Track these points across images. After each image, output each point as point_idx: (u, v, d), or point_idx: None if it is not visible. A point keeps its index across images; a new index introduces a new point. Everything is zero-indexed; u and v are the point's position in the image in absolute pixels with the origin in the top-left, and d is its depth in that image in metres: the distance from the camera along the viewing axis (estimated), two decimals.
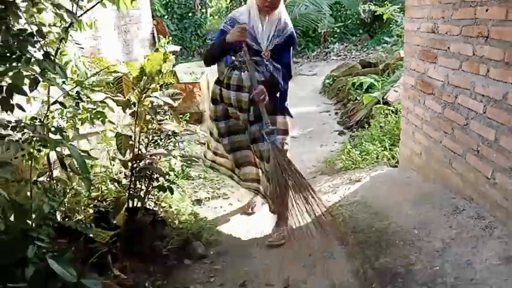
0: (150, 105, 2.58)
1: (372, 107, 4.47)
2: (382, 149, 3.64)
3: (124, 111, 2.55)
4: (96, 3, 1.95)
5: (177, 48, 2.82)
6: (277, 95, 2.57)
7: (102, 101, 2.33)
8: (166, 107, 2.68)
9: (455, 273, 1.85)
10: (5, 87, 1.58)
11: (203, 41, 11.72)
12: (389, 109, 4.08)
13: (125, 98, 2.46)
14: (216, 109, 2.63)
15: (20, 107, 1.67)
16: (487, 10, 1.95)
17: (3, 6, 1.49)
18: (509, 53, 1.81)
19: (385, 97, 4.70)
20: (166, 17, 10.69)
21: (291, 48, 2.59)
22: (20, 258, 1.48)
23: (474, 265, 1.85)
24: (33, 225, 1.90)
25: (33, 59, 1.59)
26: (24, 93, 1.63)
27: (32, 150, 1.79)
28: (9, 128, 1.64)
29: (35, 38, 1.51)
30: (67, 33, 1.88)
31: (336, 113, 6.07)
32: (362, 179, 3.26)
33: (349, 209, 2.80)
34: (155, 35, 5.89)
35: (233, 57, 2.47)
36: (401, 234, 2.24)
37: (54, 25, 1.98)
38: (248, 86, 2.41)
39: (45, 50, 1.69)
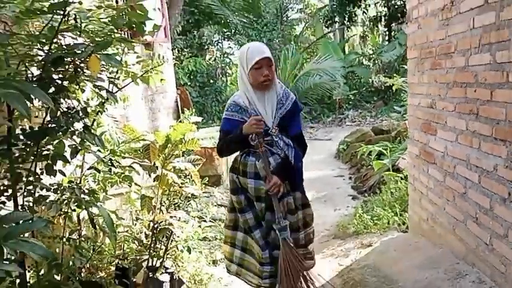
0: (172, 170, 2.84)
1: (383, 173, 4.64)
2: (393, 214, 3.76)
3: (149, 175, 2.81)
4: (130, 83, 2.26)
5: (199, 119, 3.11)
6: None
7: (129, 166, 2.59)
8: (187, 171, 2.92)
9: None
10: (50, 155, 1.86)
11: (222, 107, 12.34)
12: (398, 176, 4.24)
13: (150, 163, 2.73)
14: (239, 199, 2.40)
15: (62, 173, 1.93)
16: (475, 91, 2.19)
17: (54, 89, 1.80)
18: (496, 129, 2.01)
19: (396, 164, 4.88)
20: (189, 84, 11.37)
21: (299, 116, 2.47)
22: None
23: None
24: (62, 279, 2.09)
25: (76, 131, 1.88)
26: (67, 161, 1.90)
27: (67, 210, 2.02)
28: (51, 190, 1.89)
29: (80, 115, 1.79)
30: (103, 107, 2.18)
31: (350, 178, 6.24)
32: (373, 244, 3.36)
33: (360, 273, 2.89)
34: (179, 103, 6.35)
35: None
36: None
37: (92, 99, 2.29)
38: (263, 175, 2.29)
39: (84, 122, 1.97)
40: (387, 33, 15.20)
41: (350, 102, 13.09)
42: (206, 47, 13.31)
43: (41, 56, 1.68)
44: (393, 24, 14.54)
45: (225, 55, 13.16)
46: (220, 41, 15.56)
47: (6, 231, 1.15)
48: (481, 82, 2.13)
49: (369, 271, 2.86)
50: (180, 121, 2.87)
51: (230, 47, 15.62)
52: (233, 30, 14.04)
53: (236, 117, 2.34)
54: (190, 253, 2.72)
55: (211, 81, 12.34)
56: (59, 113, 1.72)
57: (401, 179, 4.20)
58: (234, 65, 14.95)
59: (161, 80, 2.41)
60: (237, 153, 2.42)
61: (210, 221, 4.18)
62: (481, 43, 2.11)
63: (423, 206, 3.04)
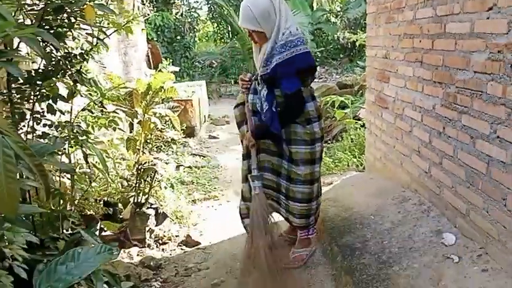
0: (153, 116, 3.09)
1: (344, 121, 5.05)
2: (352, 157, 4.19)
3: (132, 121, 3.06)
4: (114, 31, 2.45)
5: (177, 68, 3.32)
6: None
7: (114, 111, 2.82)
8: (167, 118, 3.19)
9: (399, 244, 2.36)
10: (51, 96, 2.08)
11: (191, 63, 12.35)
12: (358, 123, 4.65)
13: (132, 109, 2.97)
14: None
15: (61, 112, 2.16)
16: (420, 41, 2.53)
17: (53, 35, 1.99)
18: (435, 74, 2.38)
19: (357, 114, 5.30)
20: (157, 40, 11.26)
21: (295, 74, 2.21)
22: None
23: (413, 238, 2.36)
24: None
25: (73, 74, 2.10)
26: (66, 101, 2.13)
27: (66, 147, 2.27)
28: (52, 127, 2.12)
29: (78, 59, 2.01)
30: (90, 54, 2.37)
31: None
32: (334, 182, 3.79)
33: (322, 205, 3.29)
34: (150, 57, 6.44)
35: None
36: (361, 220, 2.75)
37: (77, 48, 2.47)
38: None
39: (80, 66, 2.18)
40: None
41: (317, 59, 13.37)
42: (172, 0, 13.04)
43: (38, 5, 1.87)
44: None
45: (193, 9, 12.96)
46: None
47: (36, 149, 1.41)
48: (424, 33, 2.47)
49: (330, 203, 3.28)
50: (159, 70, 3.08)
51: (197, 1, 15.37)
52: None
53: None
54: (173, 189, 3.04)
55: (178, 37, 12.24)
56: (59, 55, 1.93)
57: (361, 126, 4.62)
58: (201, 21, 14.80)
59: (142, 29, 2.62)
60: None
61: (187, 167, 4.50)
62: None
63: (377, 147, 3.46)
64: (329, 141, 5.31)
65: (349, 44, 13.09)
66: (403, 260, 2.22)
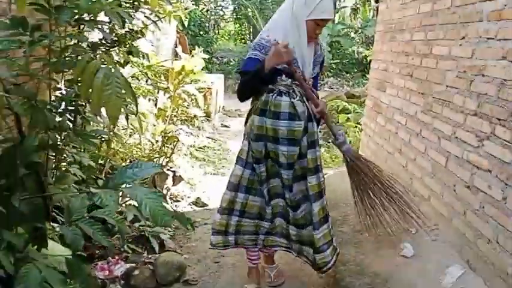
0: (182, 93, 3.65)
1: (345, 123, 5.59)
2: None
3: (164, 94, 3.61)
4: (164, 16, 2.99)
5: (206, 56, 3.88)
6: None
7: (151, 84, 3.37)
8: (193, 96, 3.74)
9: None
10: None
11: (210, 58, 12.98)
12: (358, 127, 5.18)
13: (166, 85, 3.53)
14: (259, 147, 2.17)
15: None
16: (412, 58, 3.06)
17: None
18: (419, 86, 2.90)
19: (359, 122, 5.83)
20: (182, 31, 11.87)
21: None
22: None
23: (384, 215, 2.88)
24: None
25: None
26: (122, 66, 2.68)
27: None
28: None
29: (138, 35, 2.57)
30: (143, 34, 2.92)
31: (320, 131, 7.18)
32: (328, 173, 4.32)
33: None
34: (177, 45, 7.02)
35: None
36: (344, 200, 3.27)
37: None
38: (301, 112, 2.07)
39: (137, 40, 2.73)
40: (376, 8, 15.82)
41: (331, 70, 13.92)
42: None
43: None
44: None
45: (219, 7, 13.58)
46: None
47: None
48: (417, 52, 3.00)
49: None
50: (192, 56, 3.63)
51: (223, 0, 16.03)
52: None
53: (259, 57, 2.06)
54: (191, 155, 3.58)
55: (202, 32, 12.86)
56: (124, 31, 2.48)
57: (360, 130, 5.14)
58: (224, 19, 15.44)
59: (186, 17, 3.16)
60: (264, 95, 2.09)
61: (200, 147, 5.05)
62: (421, 24, 2.97)
63: (369, 146, 3.98)
64: (329, 141, 5.84)
65: (364, 59, 13.64)
66: (373, 229, 2.75)
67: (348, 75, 13.87)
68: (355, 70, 14.14)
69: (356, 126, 5.28)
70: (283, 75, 2.05)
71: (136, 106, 1.55)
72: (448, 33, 2.56)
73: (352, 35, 15.33)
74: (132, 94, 1.54)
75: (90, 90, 1.44)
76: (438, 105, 2.61)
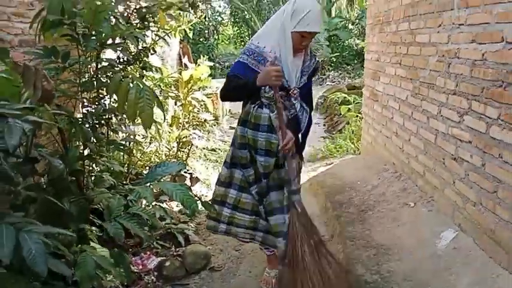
0: (192, 100, 3.95)
1: (347, 113, 5.86)
2: (351, 144, 4.99)
3: (175, 104, 3.92)
4: (169, 32, 3.29)
5: (211, 64, 4.18)
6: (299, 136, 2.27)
7: (162, 95, 3.67)
8: (202, 102, 4.04)
9: (374, 199, 3.16)
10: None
11: (213, 64, 13.31)
12: (359, 116, 5.44)
13: (177, 94, 3.83)
14: (245, 154, 2.23)
15: None
16: (399, 47, 3.32)
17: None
18: (408, 72, 3.17)
19: (360, 112, 6.08)
20: (182, 40, 12.22)
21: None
22: None
23: (386, 194, 3.16)
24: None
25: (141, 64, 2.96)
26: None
27: None
28: None
29: (150, 52, 2.87)
30: (154, 50, 3.22)
31: (324, 125, 7.45)
32: (334, 163, 4.59)
33: (321, 177, 4.12)
34: (181, 55, 7.34)
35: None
36: (349, 184, 3.55)
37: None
38: (277, 127, 2.11)
39: (148, 56, 3.03)
40: None
41: (332, 64, 14.16)
42: (197, 4, 13.96)
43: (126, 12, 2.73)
44: None
45: (217, 13, 13.91)
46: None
47: None
48: (403, 42, 3.27)
49: (328, 175, 4.09)
50: (198, 65, 3.93)
51: (220, 6, 16.38)
52: None
53: (254, 67, 2.11)
54: (206, 157, 3.88)
55: (202, 39, 13.20)
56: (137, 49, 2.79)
57: (361, 119, 5.40)
58: (222, 24, 15.77)
59: (189, 29, 3.46)
60: (247, 106, 2.20)
61: (212, 149, 5.36)
62: (405, 15, 3.23)
63: (369, 133, 4.25)
64: (333, 133, 6.12)
65: (361, 50, 13.85)
66: (376, 208, 3.02)
67: (349, 67, 14.10)
68: (355, 61, 14.35)
69: (357, 116, 5.54)
70: (267, 87, 2.08)
71: (164, 114, 1.84)
72: (428, 22, 2.82)
73: (350, 26, 15.56)
74: (159, 104, 1.84)
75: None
76: (424, 88, 2.87)
